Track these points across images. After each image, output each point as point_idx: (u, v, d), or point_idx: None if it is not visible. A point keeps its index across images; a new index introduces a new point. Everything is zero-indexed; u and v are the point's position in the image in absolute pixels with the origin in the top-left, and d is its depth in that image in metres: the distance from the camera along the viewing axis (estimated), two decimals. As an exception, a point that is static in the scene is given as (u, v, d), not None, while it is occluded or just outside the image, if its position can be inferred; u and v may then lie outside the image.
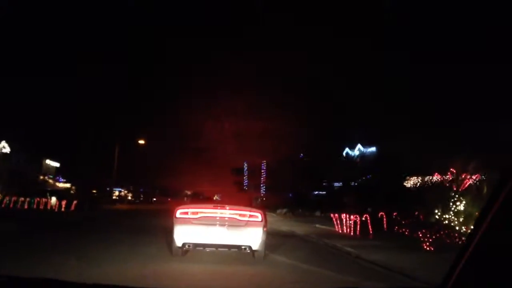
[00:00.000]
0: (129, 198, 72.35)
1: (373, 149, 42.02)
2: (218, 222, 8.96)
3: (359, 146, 44.44)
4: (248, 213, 9.16)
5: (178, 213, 9.14)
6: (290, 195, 51.04)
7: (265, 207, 42.29)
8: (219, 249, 9.07)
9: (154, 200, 77.18)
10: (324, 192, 49.35)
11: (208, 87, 68.44)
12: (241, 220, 9.05)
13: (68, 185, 62.21)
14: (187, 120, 69.77)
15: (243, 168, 65.49)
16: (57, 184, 59.66)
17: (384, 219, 16.32)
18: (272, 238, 14.46)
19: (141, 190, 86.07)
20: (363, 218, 16.22)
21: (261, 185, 60.42)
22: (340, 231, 17.57)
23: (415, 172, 27.19)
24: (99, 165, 57.76)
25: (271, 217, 30.30)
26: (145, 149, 64.42)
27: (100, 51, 60.08)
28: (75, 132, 56.74)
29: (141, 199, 75.93)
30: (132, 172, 71.31)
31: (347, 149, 46.96)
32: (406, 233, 14.32)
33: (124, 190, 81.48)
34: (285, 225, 21.93)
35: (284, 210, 32.19)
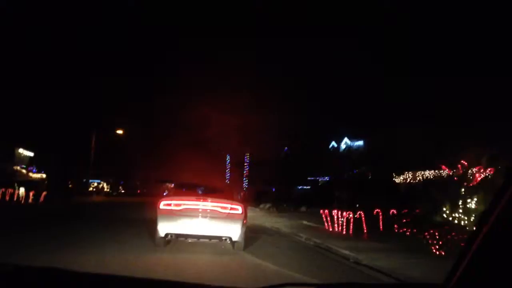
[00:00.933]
0: (107, 190, 69.68)
1: (360, 142, 40.40)
2: (200, 214, 9.30)
3: (345, 139, 42.77)
4: (229, 205, 9.52)
5: (162, 204, 9.49)
6: (273, 189, 49.37)
7: (248, 201, 40.71)
8: (201, 239, 9.55)
9: (138, 193, 74.64)
10: (309, 187, 47.84)
11: (192, 78, 66.27)
12: (222, 212, 9.40)
13: (43, 175, 59.75)
14: (170, 112, 67.69)
15: (226, 161, 63.61)
16: (30, 174, 56.66)
17: (380, 217, 14.59)
18: (254, 236, 12.73)
19: (121, 182, 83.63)
20: (357, 216, 14.50)
21: (244, 179, 58.57)
22: (331, 229, 15.85)
23: (412, 166, 25.66)
24: (76, 156, 55.34)
25: (254, 212, 28.49)
26: (127, 140, 62.63)
27: (77, 36, 57.28)
28: (50, 121, 53.90)
29: (120, 191, 73.27)
30: (113, 164, 69.11)
31: (333, 143, 45.32)
32: (407, 233, 12.63)
33: (104, 182, 79.02)
34: (269, 221, 20.17)
35: (268, 205, 30.47)
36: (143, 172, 79.65)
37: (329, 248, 11.16)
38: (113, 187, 75.63)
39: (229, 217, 9.42)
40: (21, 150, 57.14)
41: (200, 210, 9.36)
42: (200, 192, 10.76)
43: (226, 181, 58.73)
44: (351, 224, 14.50)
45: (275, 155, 51.86)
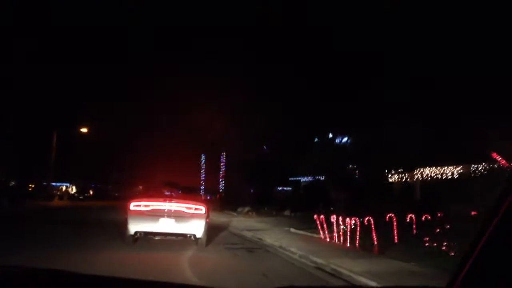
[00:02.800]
0: (73, 193, 64.87)
1: (345, 138, 37.22)
2: (166, 214, 10.06)
3: (330, 134, 39.52)
4: (193, 206, 10.30)
5: (132, 205, 10.14)
6: (252, 191, 45.93)
7: (224, 204, 37.17)
8: (167, 237, 10.30)
9: (110, 196, 70.22)
10: (290, 188, 44.62)
11: (163, 76, 62.46)
12: (187, 212, 10.16)
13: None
14: (142, 113, 63.96)
15: (201, 161, 59.79)
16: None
17: (394, 224, 11.17)
18: (229, 251, 9.30)
19: (93, 185, 79.26)
20: (365, 222, 11.11)
21: (220, 180, 54.87)
22: (328, 240, 12.44)
23: (410, 164, 22.52)
24: (39, 157, 50.90)
25: (231, 216, 24.92)
26: (97, 142, 59.09)
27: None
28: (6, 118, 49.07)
29: (89, 195, 68.51)
30: (84, 166, 65.15)
31: (316, 140, 42.04)
32: (444, 247, 9.21)
33: (72, 185, 74.41)
34: (249, 228, 16.62)
35: (246, 209, 26.98)
36: (116, 175, 75.87)
37: (339, 273, 7.69)
38: (82, 190, 70.78)
39: (193, 216, 10.16)
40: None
41: (166, 210, 10.09)
42: (167, 193, 11.40)
43: (201, 182, 55.04)
44: (358, 234, 11.09)
45: (254, 155, 48.49)
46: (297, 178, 41.84)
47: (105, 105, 60.06)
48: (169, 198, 10.55)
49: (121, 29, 55.07)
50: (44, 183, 51.57)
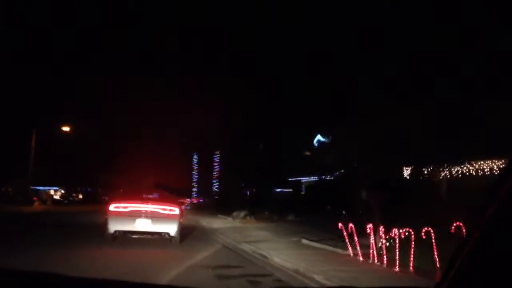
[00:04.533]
0: (56, 197, 60.95)
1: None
2: (143, 214, 10.85)
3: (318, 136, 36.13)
4: (168, 207, 11.23)
5: (112, 206, 11.00)
6: (248, 193, 42.38)
7: (218, 208, 33.56)
8: (144, 235, 11.10)
9: (97, 200, 66.71)
10: (290, 189, 41.07)
11: (150, 74, 59.00)
12: (162, 213, 11.03)
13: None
14: (131, 112, 60.54)
15: (193, 161, 56.07)
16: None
17: (461, 236, 7.61)
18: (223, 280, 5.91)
19: (83, 189, 76.02)
20: (422, 235, 7.56)
21: (214, 181, 51.17)
22: (361, 258, 8.86)
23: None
24: (16, 158, 47.24)
25: (226, 222, 21.34)
26: (83, 144, 56.05)
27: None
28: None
29: (73, 199, 64.62)
30: (71, 170, 61.91)
31: (319, 136, 38.46)
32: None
33: (62, 189, 70.85)
34: (248, 239, 13.02)
35: (243, 213, 23.39)
36: (106, 178, 72.42)
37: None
38: (66, 194, 66.99)
39: (168, 217, 11.08)
40: None
41: (143, 211, 10.91)
42: (144, 196, 11.90)
43: (193, 184, 51.37)
44: (412, 251, 7.53)
45: (249, 154, 44.97)
46: (297, 179, 38.33)
47: (91, 105, 56.79)
48: (146, 200, 11.35)
49: (104, 28, 51.78)
50: (24, 186, 47.92)
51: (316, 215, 22.26)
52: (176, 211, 11.31)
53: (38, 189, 57.99)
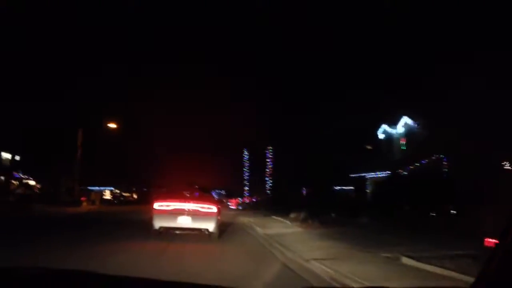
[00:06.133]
0: (106, 197, 59.75)
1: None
2: (184, 212, 11.91)
3: (405, 119, 31.22)
4: (206, 205, 12.20)
5: (156, 205, 12.21)
6: (304, 191, 38.45)
7: (272, 208, 29.89)
8: (185, 231, 12.17)
9: (146, 200, 65.89)
10: (352, 187, 36.74)
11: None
12: (201, 211, 12.00)
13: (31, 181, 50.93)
14: (178, 111, 58.98)
15: (243, 158, 52.72)
16: (13, 181, 47.10)
17: None
18: None
19: (135, 189, 75.64)
20: None
21: (266, 179, 47.53)
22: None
23: None
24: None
25: (282, 226, 17.56)
26: (132, 145, 55.13)
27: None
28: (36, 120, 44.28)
29: (123, 198, 63.50)
30: (123, 171, 61.22)
31: (384, 126, 33.89)
32: None
33: (116, 190, 70.37)
34: (317, 255, 9.25)
35: (302, 214, 19.65)
36: (159, 178, 71.43)
37: None
38: (118, 194, 66.05)
39: (206, 214, 12.02)
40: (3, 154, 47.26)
41: (184, 209, 11.95)
42: (185, 195, 12.95)
43: (245, 182, 48.06)
44: None
45: (304, 148, 41.05)
46: (361, 175, 33.94)
47: (140, 105, 55.78)
48: (187, 199, 12.43)
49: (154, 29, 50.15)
50: (83, 187, 47.18)
51: (392, 217, 18.14)
52: (214, 209, 12.25)
53: (92, 190, 57.11)
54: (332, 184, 34.73)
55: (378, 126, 34.25)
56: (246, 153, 52.36)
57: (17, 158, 48.82)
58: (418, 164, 25.76)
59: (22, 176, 49.57)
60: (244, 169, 53.35)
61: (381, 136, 34.40)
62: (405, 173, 25.79)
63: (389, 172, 25.85)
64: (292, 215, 21.41)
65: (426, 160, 25.73)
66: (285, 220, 20.02)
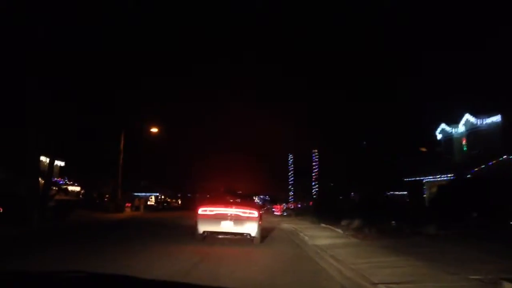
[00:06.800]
0: (151, 203, 59.41)
1: (495, 118, 25.89)
2: (227, 217, 12.35)
3: (467, 117, 28.23)
4: (248, 211, 12.54)
5: (200, 210, 12.66)
6: (352, 194, 35.97)
7: (320, 214, 27.56)
8: (228, 236, 12.60)
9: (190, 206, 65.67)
10: (405, 192, 34.06)
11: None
12: (243, 216, 12.39)
13: (76, 188, 51.19)
14: (220, 117, 58.11)
15: (288, 162, 50.70)
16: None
17: None
18: None
19: (183, 195, 75.74)
20: None
21: (313, 183, 45.28)
22: None
23: None
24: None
25: (334, 236, 15.36)
26: (176, 150, 55.05)
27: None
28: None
29: (166, 204, 63.13)
30: (167, 176, 61.14)
31: (443, 126, 30.94)
32: None
33: (161, 195, 70.40)
34: (383, 276, 7.24)
35: (356, 222, 17.53)
36: (204, 184, 71.13)
37: None
38: (160, 199, 65.83)
39: (248, 219, 12.32)
40: (47, 160, 47.09)
41: (227, 214, 12.36)
42: (227, 201, 13.60)
43: (290, 187, 46.07)
44: None
45: (351, 151, 38.65)
46: (417, 178, 31.20)
47: (187, 110, 55.55)
48: (229, 205, 12.86)
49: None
50: (128, 192, 46.96)
51: (462, 226, 15.69)
52: (255, 214, 12.49)
53: (138, 195, 56.96)
54: (385, 189, 32.17)
55: (436, 126, 31.37)
56: (291, 156, 50.41)
57: (62, 164, 49.03)
58: (484, 166, 22.97)
59: (68, 182, 49.82)
60: (288, 173, 51.34)
61: (438, 136, 31.50)
62: (468, 176, 23.09)
63: (451, 175, 23.14)
64: (344, 223, 19.28)
65: (493, 162, 22.93)
66: (336, 229, 17.91)
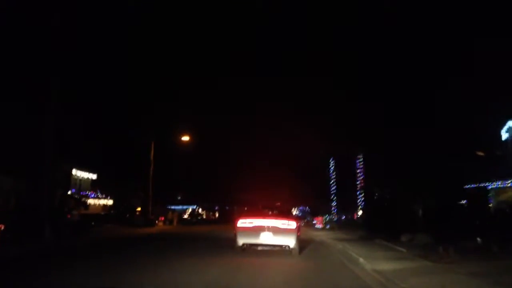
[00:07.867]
0: (185, 216, 57.07)
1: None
2: (266, 229, 12.29)
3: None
4: (286, 222, 12.53)
5: (239, 222, 12.66)
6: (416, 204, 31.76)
7: (372, 228, 23.74)
8: (267, 247, 12.65)
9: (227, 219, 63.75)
10: (465, 201, 29.72)
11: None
12: (281, 228, 12.33)
13: (108, 201, 49.37)
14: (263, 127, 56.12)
15: (329, 168, 47.08)
16: (89, 200, 44.97)
17: None
18: None
19: (216, 207, 73.61)
20: None
21: (358, 192, 41.33)
22: None
23: None
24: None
25: (396, 259, 11.55)
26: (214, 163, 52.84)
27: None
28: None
29: (200, 218, 60.76)
30: (204, 189, 59.30)
31: (510, 124, 26.62)
32: None
33: (199, 208, 68.46)
34: None
35: (420, 237, 13.95)
36: (243, 196, 68.87)
37: None
38: (196, 213, 63.56)
39: (286, 231, 12.30)
40: (76, 172, 45.18)
41: (265, 226, 12.31)
42: (265, 212, 13.72)
43: (332, 197, 42.48)
44: None
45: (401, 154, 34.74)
46: (480, 185, 27.02)
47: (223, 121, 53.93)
48: (267, 216, 13.03)
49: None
50: (161, 205, 45.01)
51: None
52: (293, 225, 12.48)
53: (172, 209, 54.90)
54: (444, 198, 28.03)
55: (502, 124, 27.12)
56: (332, 164, 46.84)
57: (93, 177, 47.22)
58: None
59: (100, 196, 48.15)
60: (330, 183, 47.67)
61: (504, 136, 27.24)
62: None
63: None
64: (404, 238, 15.67)
65: None
66: (395, 246, 14.32)
